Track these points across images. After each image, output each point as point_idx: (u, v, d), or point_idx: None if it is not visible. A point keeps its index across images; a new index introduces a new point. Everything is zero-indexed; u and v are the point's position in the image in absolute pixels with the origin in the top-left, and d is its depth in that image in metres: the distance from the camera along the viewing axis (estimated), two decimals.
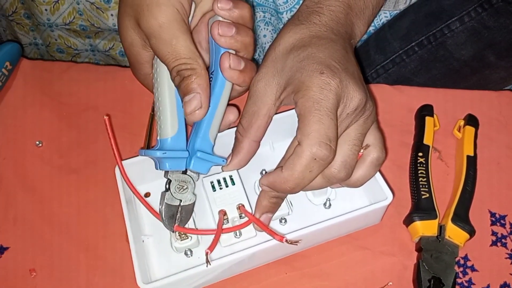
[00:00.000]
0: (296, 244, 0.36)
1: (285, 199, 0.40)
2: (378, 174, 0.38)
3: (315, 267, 0.39)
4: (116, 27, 0.59)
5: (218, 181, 0.41)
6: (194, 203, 0.38)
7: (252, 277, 0.39)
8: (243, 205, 0.39)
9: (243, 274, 0.39)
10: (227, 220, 0.39)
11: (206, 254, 0.35)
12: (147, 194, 0.43)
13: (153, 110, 0.48)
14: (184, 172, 0.38)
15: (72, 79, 0.51)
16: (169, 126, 0.37)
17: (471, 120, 0.46)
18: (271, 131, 0.38)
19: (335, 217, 0.37)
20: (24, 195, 0.44)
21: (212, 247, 0.36)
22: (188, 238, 0.39)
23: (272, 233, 0.36)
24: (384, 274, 0.39)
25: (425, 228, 0.40)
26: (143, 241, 0.40)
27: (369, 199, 0.41)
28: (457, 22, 0.55)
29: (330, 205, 0.41)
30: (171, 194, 0.37)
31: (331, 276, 0.39)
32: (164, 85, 0.38)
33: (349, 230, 0.41)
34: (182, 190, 0.38)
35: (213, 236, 0.37)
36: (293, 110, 0.37)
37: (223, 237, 0.39)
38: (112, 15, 0.59)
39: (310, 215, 0.41)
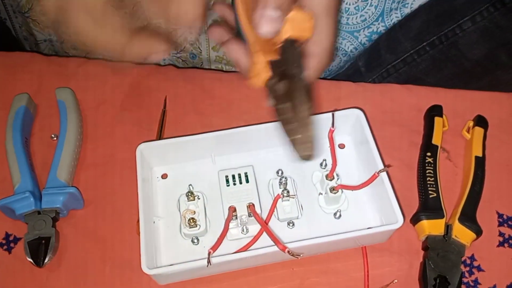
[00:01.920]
0: (298, 257, 0.36)
1: (297, 202, 0.40)
2: (393, 195, 0.38)
3: (321, 263, 0.40)
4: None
5: (233, 177, 0.42)
6: (54, 235, 0.41)
7: (257, 271, 0.40)
8: (253, 205, 0.40)
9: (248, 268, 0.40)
10: (236, 217, 0.39)
11: (209, 253, 0.35)
12: (164, 176, 0.44)
13: (165, 106, 0.49)
14: (40, 213, 0.42)
15: (87, 74, 0.52)
16: (15, 175, 0.43)
17: (481, 121, 0.46)
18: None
19: (341, 233, 0.37)
20: None
21: (215, 247, 0.36)
22: (197, 226, 0.40)
23: (276, 241, 0.36)
24: (390, 272, 0.39)
25: (432, 227, 0.40)
26: (154, 222, 0.41)
27: (380, 217, 0.41)
28: (469, 22, 0.54)
29: (340, 215, 0.41)
30: (29, 232, 0.41)
31: (337, 272, 0.39)
32: (10, 142, 0.44)
33: (355, 245, 0.41)
34: (40, 226, 0.41)
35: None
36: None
37: (230, 231, 0.40)
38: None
39: (319, 223, 0.41)
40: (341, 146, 0.46)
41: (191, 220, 0.39)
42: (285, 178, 0.42)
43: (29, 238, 0.41)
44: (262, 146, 0.45)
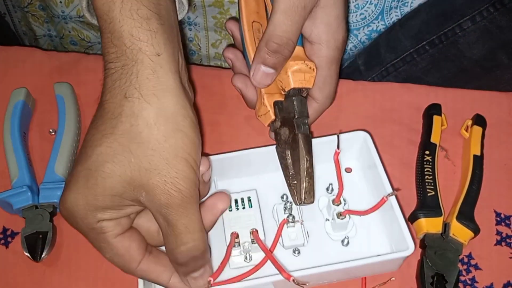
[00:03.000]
0: (303, 287, 0.34)
1: (302, 229, 0.39)
2: (403, 220, 0.37)
3: None
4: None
5: (236, 201, 0.40)
6: (51, 229, 0.41)
7: None
8: (256, 231, 0.38)
9: None
10: (238, 244, 0.38)
11: (209, 281, 0.35)
12: None
13: None
14: (37, 207, 0.41)
15: (86, 69, 0.52)
16: (13, 170, 0.43)
17: (479, 120, 0.46)
18: None
19: (349, 260, 0.36)
20: None
21: (216, 275, 0.35)
22: None
23: (281, 269, 0.35)
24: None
25: (430, 225, 0.40)
26: None
27: (390, 244, 0.40)
28: (468, 22, 0.54)
29: (348, 242, 0.40)
30: (27, 227, 0.41)
31: None
32: (8, 136, 0.45)
33: (363, 274, 0.39)
34: (37, 221, 0.41)
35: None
36: (317, 140, 0.41)
37: (232, 259, 0.39)
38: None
39: (326, 250, 0.40)
40: (348, 170, 0.44)
41: None
42: (290, 203, 0.41)
43: (27, 233, 0.40)
44: (265, 170, 0.43)
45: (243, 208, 0.40)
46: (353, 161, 0.45)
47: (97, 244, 0.33)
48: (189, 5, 0.39)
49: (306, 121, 0.39)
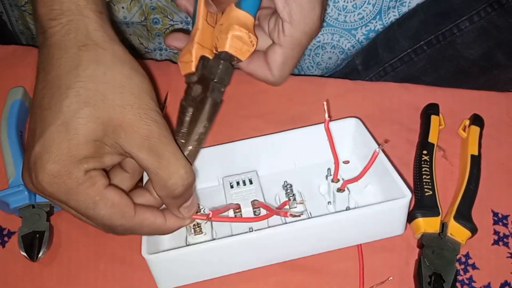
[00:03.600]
0: (299, 215, 0.36)
1: (305, 208, 0.40)
2: (395, 173, 0.38)
3: (315, 262, 0.40)
4: (126, 19, 0.60)
5: (237, 182, 0.42)
6: (48, 229, 0.41)
7: (254, 277, 0.39)
8: (257, 200, 0.39)
9: (247, 274, 0.39)
10: (241, 215, 0.39)
11: (208, 215, 0.36)
12: None
13: (165, 101, 0.49)
14: (34, 207, 0.41)
15: None
16: (10, 169, 0.43)
17: (477, 120, 0.46)
18: (294, 151, 0.43)
19: (349, 209, 0.37)
20: None
21: (216, 212, 0.36)
22: (202, 233, 0.38)
23: (278, 212, 0.37)
24: (385, 269, 0.39)
25: (428, 224, 0.40)
26: None
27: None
28: (466, 22, 0.55)
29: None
30: (23, 226, 0.41)
31: (332, 269, 0.39)
32: (5, 135, 0.44)
33: (365, 235, 0.39)
34: (34, 220, 0.41)
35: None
36: (314, 127, 0.41)
37: (237, 227, 0.39)
38: (123, 7, 0.60)
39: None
40: (346, 162, 0.45)
41: (196, 226, 0.38)
42: (291, 185, 0.41)
43: (23, 232, 0.40)
44: (266, 159, 0.44)
45: (244, 184, 0.41)
46: (349, 152, 0.45)
47: (90, 201, 0.32)
48: None
49: (222, 90, 0.38)
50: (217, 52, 0.39)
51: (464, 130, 0.47)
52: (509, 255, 0.40)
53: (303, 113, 0.49)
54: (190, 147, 0.36)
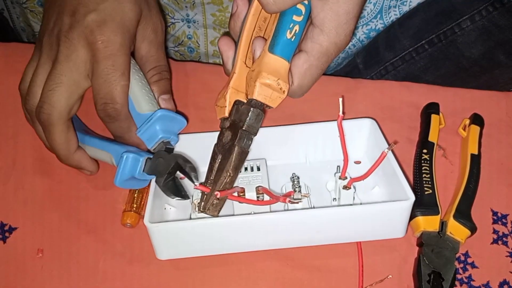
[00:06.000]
0: (296, 202, 0.37)
1: (309, 202, 0.41)
2: (402, 175, 0.39)
3: (315, 259, 0.40)
4: None
5: (245, 168, 0.43)
6: (179, 157, 0.41)
7: (252, 263, 0.40)
8: (262, 186, 0.40)
9: (246, 270, 0.40)
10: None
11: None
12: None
13: None
14: (151, 156, 0.41)
15: None
16: (104, 155, 0.43)
17: (477, 119, 0.47)
18: (306, 145, 0.43)
19: (351, 204, 0.38)
20: (36, 178, 0.45)
21: (223, 193, 0.36)
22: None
23: (279, 197, 0.38)
24: (384, 267, 0.39)
25: (427, 223, 0.40)
26: (165, 208, 0.42)
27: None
28: (467, 21, 0.55)
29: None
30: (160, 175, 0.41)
31: (331, 267, 0.40)
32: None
33: (366, 234, 0.39)
34: (161, 165, 0.41)
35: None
36: (329, 124, 0.41)
37: (239, 209, 0.40)
38: None
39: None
40: (357, 162, 0.45)
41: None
42: (298, 177, 0.42)
43: (161, 181, 0.40)
44: (277, 150, 0.45)
45: (252, 171, 0.42)
46: (361, 153, 0.45)
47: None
48: None
49: (251, 137, 0.37)
50: (248, 99, 0.38)
51: (464, 129, 0.47)
52: (508, 254, 0.41)
53: (304, 111, 0.49)
54: (213, 199, 0.36)
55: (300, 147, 0.45)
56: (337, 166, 0.42)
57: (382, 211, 0.38)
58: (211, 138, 0.40)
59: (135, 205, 0.42)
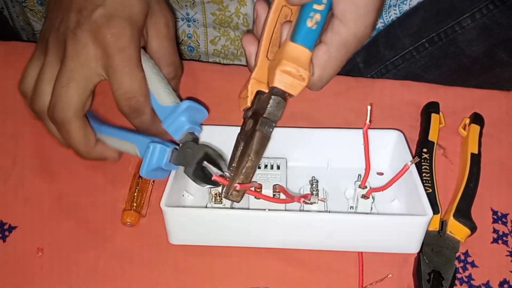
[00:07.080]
0: (311, 203, 0.38)
1: (325, 206, 0.41)
2: (422, 190, 0.38)
3: (314, 258, 0.40)
4: None
5: (266, 165, 0.43)
6: (209, 148, 0.40)
7: (253, 260, 0.40)
8: (279, 185, 0.40)
9: (248, 268, 0.40)
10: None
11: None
12: None
13: None
14: (177, 147, 0.41)
15: None
16: (128, 147, 0.42)
17: (477, 119, 0.46)
18: (329, 150, 0.44)
19: (368, 213, 0.37)
20: (36, 176, 0.45)
21: (243, 186, 0.36)
22: (221, 204, 0.40)
23: (294, 197, 0.38)
24: (384, 266, 0.39)
25: None
26: (183, 195, 0.42)
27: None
28: (468, 19, 0.54)
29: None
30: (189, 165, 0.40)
31: (331, 266, 0.40)
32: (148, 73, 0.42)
33: (377, 244, 0.39)
34: (189, 157, 0.40)
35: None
36: (355, 131, 0.41)
37: (254, 205, 0.40)
38: None
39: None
40: (380, 173, 0.45)
41: (217, 195, 0.40)
42: (317, 181, 0.42)
43: (191, 171, 0.39)
44: (299, 151, 0.44)
45: (271, 169, 0.43)
46: (385, 165, 0.45)
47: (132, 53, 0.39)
48: None
49: (273, 124, 0.37)
50: (269, 87, 0.38)
51: (464, 129, 0.47)
52: (508, 253, 0.41)
53: (304, 110, 0.49)
54: (235, 183, 0.36)
55: (322, 151, 0.44)
56: (358, 175, 0.42)
57: (397, 223, 0.37)
58: (231, 131, 0.40)
59: (135, 204, 0.42)
